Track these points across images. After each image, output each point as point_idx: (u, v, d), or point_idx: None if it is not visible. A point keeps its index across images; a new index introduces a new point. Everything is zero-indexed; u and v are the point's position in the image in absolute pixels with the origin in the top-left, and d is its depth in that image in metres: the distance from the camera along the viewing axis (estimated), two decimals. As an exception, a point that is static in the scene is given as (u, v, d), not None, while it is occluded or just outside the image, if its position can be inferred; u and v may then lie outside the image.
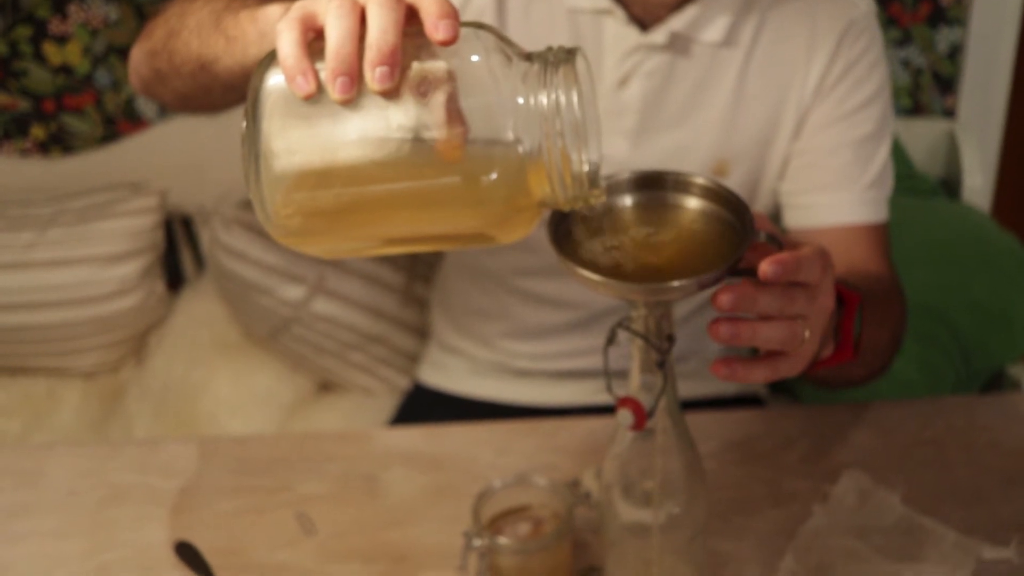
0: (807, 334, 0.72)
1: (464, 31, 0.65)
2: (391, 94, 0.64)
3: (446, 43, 0.63)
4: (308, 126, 0.66)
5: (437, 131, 0.65)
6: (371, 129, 0.66)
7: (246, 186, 0.68)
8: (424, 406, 1.37)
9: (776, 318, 0.70)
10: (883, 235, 1.12)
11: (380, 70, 0.62)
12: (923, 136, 1.93)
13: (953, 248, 1.67)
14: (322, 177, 0.67)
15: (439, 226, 0.70)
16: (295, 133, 0.67)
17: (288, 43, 0.64)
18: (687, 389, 1.28)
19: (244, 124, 0.67)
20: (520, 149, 0.65)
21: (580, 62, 0.66)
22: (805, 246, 0.71)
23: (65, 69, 1.90)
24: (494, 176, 0.66)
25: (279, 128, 0.66)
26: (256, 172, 0.67)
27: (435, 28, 0.62)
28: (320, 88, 0.64)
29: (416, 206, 0.69)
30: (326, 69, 0.64)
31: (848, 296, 0.84)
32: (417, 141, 0.66)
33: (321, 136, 0.66)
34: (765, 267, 0.67)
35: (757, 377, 0.72)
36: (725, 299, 0.67)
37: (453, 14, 0.62)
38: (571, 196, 0.67)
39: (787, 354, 0.73)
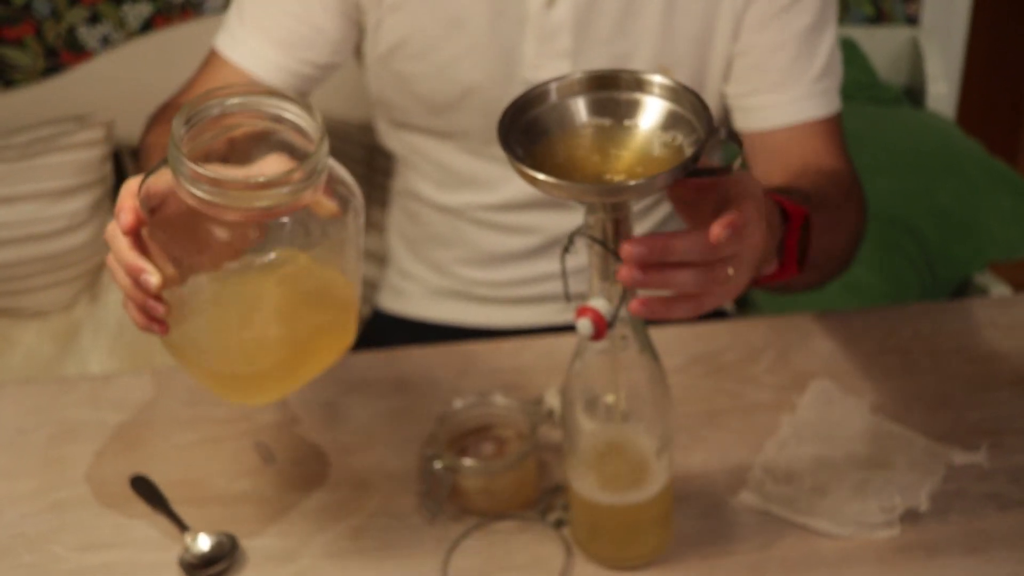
0: (731, 271, 0.69)
1: None
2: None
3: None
4: (190, 337, 0.78)
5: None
6: (220, 319, 0.78)
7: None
8: (384, 332, 1.34)
9: (695, 264, 0.67)
10: (837, 127, 1.09)
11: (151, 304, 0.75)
12: (886, 44, 1.90)
13: (918, 157, 1.65)
14: (224, 364, 0.79)
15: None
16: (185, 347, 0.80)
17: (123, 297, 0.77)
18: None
19: None
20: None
21: None
22: (743, 198, 0.68)
23: (1, -1, 1.84)
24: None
25: (175, 345, 0.80)
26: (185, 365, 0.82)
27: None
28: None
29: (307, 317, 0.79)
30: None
31: (793, 211, 0.82)
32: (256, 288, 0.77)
33: (201, 342, 0.79)
34: (718, 231, 0.65)
35: (678, 314, 0.70)
36: (635, 250, 0.65)
37: None
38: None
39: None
